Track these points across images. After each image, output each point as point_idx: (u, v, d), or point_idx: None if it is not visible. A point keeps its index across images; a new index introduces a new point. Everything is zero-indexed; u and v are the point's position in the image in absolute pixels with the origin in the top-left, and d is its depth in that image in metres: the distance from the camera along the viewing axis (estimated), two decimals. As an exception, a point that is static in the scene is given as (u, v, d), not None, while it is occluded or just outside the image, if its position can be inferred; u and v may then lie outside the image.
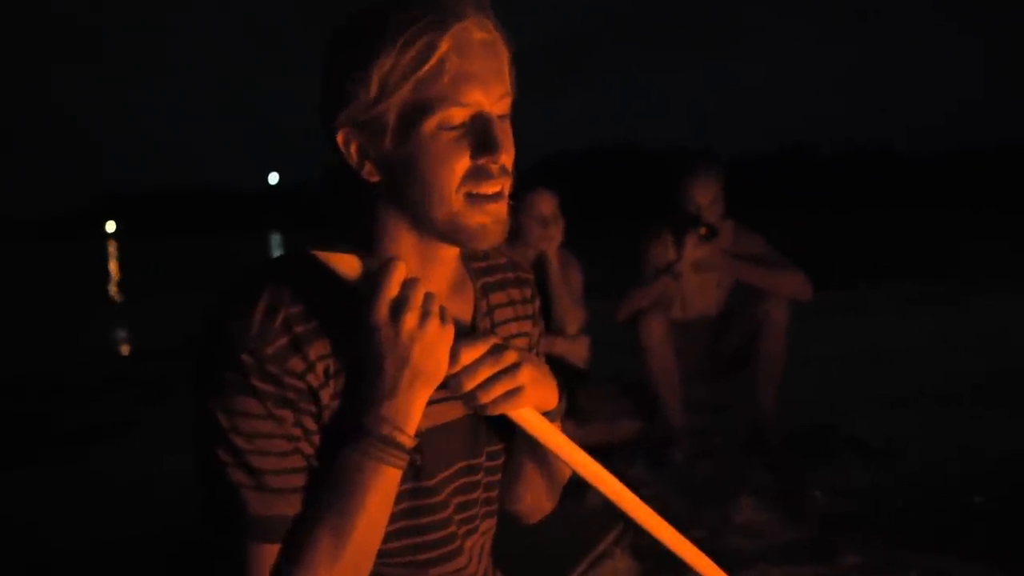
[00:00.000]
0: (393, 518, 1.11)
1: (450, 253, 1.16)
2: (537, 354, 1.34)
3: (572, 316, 3.74)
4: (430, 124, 1.05)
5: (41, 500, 3.99)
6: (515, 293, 1.32)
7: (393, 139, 1.07)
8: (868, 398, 4.82)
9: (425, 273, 1.14)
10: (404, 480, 1.11)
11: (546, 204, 3.71)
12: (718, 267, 3.73)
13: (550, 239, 3.70)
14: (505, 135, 1.09)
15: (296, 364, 1.05)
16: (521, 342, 1.31)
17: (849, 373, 5.63)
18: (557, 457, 1.19)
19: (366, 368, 1.06)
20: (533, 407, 1.15)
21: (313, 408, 1.07)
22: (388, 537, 1.12)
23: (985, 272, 11.49)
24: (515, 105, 1.12)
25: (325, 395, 1.08)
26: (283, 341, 1.05)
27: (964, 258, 13.75)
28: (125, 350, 9.68)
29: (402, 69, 1.03)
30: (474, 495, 1.23)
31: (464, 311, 1.22)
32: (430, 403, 1.10)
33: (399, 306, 1.04)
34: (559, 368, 1.22)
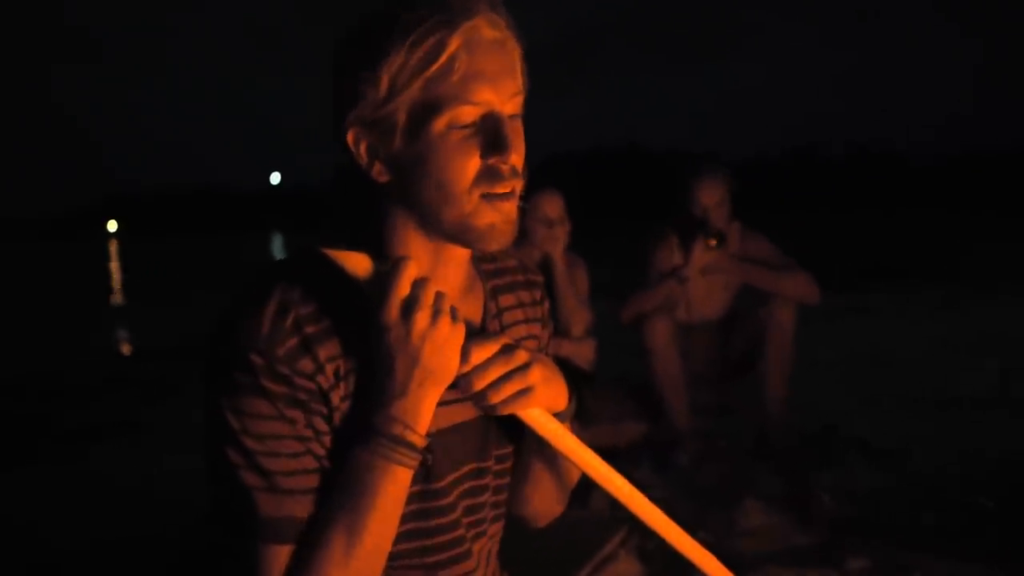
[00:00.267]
0: (403, 519, 1.11)
1: (460, 254, 1.16)
2: (547, 355, 1.33)
3: (578, 318, 3.73)
4: (440, 123, 1.04)
5: (42, 500, 3.99)
6: (525, 295, 1.32)
7: (403, 138, 1.06)
8: (873, 400, 4.82)
9: (435, 274, 1.13)
10: (414, 482, 1.10)
11: (552, 205, 3.70)
12: (725, 270, 3.72)
13: (556, 240, 3.69)
14: (516, 134, 1.08)
15: (306, 365, 1.04)
16: (530, 344, 1.30)
17: (853, 375, 5.63)
18: (566, 459, 1.19)
19: (377, 368, 1.06)
20: (543, 408, 1.14)
21: (324, 409, 1.07)
22: (398, 539, 1.11)
23: (989, 275, 11.50)
24: (525, 102, 1.11)
25: (335, 396, 1.07)
26: (294, 342, 1.04)
27: (967, 261, 13.76)
28: (126, 350, 9.68)
29: (411, 68, 1.03)
30: (482, 498, 1.22)
31: (474, 313, 1.22)
32: (439, 405, 1.09)
33: (410, 305, 1.03)
34: (564, 370, 1.22)
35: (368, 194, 1.11)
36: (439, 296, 1.05)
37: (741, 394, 3.91)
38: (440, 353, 1.04)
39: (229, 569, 1.07)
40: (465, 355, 1.07)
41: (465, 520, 1.19)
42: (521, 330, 1.29)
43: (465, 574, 1.21)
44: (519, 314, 1.29)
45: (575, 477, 1.32)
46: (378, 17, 1.06)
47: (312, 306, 1.06)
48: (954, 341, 6.61)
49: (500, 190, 1.07)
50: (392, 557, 1.11)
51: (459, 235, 1.09)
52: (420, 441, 1.06)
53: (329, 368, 1.06)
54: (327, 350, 1.06)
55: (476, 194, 1.06)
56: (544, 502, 1.34)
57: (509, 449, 1.26)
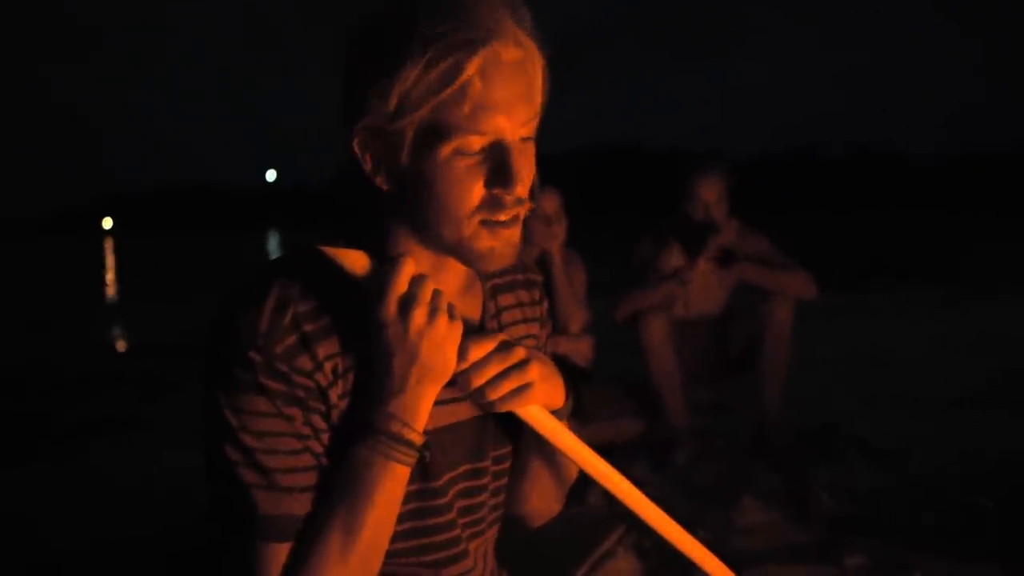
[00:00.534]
0: (401, 518, 1.11)
1: None
2: (545, 355, 1.33)
3: (575, 315, 3.73)
4: (447, 149, 1.02)
5: (41, 498, 3.99)
6: (524, 295, 1.31)
7: (409, 155, 1.04)
8: (872, 399, 4.82)
9: (434, 273, 1.13)
10: (412, 480, 1.10)
11: (549, 203, 3.70)
12: (723, 267, 3.72)
13: (553, 237, 3.69)
14: (524, 162, 1.06)
15: (305, 362, 1.04)
16: (529, 344, 1.29)
17: (853, 374, 5.64)
18: (565, 456, 1.19)
19: (375, 365, 1.05)
20: (541, 405, 1.14)
21: (322, 407, 1.07)
22: (398, 537, 1.12)
23: (989, 274, 11.50)
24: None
25: (333, 394, 1.07)
26: (292, 339, 1.04)
27: (967, 260, 13.76)
28: (125, 347, 9.68)
29: (424, 87, 1.00)
30: (480, 499, 1.22)
31: (472, 312, 1.22)
32: (437, 404, 1.09)
33: (408, 302, 1.03)
34: (562, 367, 1.22)
35: (370, 197, 1.11)
36: (437, 293, 1.05)
37: (738, 392, 3.91)
38: (438, 350, 1.04)
39: (228, 566, 1.07)
40: (463, 352, 1.07)
41: (461, 520, 1.19)
42: (520, 329, 1.29)
43: (463, 573, 1.21)
44: (518, 313, 1.29)
45: (573, 475, 1.32)
46: (395, 23, 1.02)
47: (310, 303, 1.06)
48: (954, 341, 6.61)
49: (502, 218, 1.06)
50: (391, 555, 1.11)
51: (457, 254, 1.09)
52: (418, 438, 1.06)
53: (327, 366, 1.06)
54: (325, 348, 1.06)
55: (476, 220, 1.05)
56: (542, 500, 1.34)
57: (507, 450, 1.26)
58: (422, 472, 1.12)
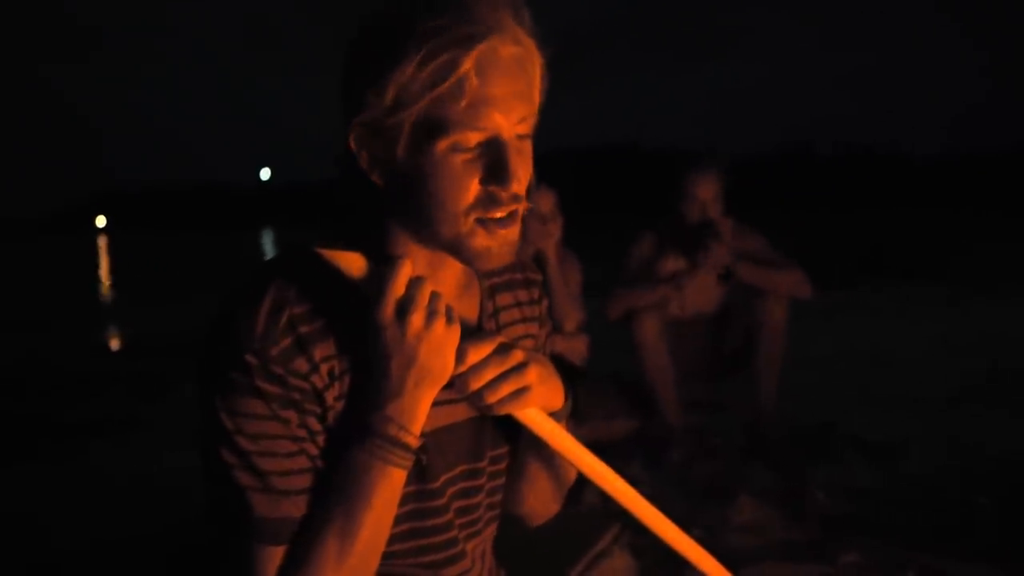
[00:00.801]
0: (399, 520, 1.11)
1: None
2: (544, 355, 1.33)
3: (570, 314, 3.73)
4: (443, 144, 1.02)
5: (40, 498, 3.99)
6: (522, 294, 1.31)
7: (405, 151, 1.05)
8: (869, 398, 4.82)
9: (432, 273, 1.13)
10: (409, 482, 1.10)
11: (545, 202, 3.71)
12: (723, 283, 3.73)
13: (548, 236, 3.69)
14: (520, 159, 1.06)
15: (301, 365, 1.04)
16: (527, 344, 1.29)
17: (850, 373, 5.63)
18: (563, 458, 1.19)
19: (372, 368, 1.05)
20: (539, 407, 1.14)
21: (318, 409, 1.07)
22: (396, 539, 1.12)
23: (986, 274, 11.48)
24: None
25: (330, 396, 1.07)
26: (288, 341, 1.04)
27: (965, 260, 13.74)
28: (122, 346, 9.67)
29: (420, 83, 1.00)
30: (476, 499, 1.22)
31: (470, 312, 1.21)
32: (434, 405, 1.09)
33: (405, 305, 1.03)
34: (559, 367, 1.22)
35: (367, 193, 1.11)
36: (434, 296, 1.05)
37: (734, 390, 3.91)
38: (436, 353, 1.04)
39: (224, 569, 1.07)
40: (461, 355, 1.07)
41: (458, 521, 1.19)
42: (518, 329, 1.29)
43: (461, 573, 1.21)
44: (516, 313, 1.29)
45: (571, 476, 1.32)
46: (393, 20, 1.03)
47: (306, 305, 1.06)
48: (954, 340, 6.60)
49: (498, 215, 1.06)
50: (388, 556, 1.12)
51: (454, 252, 1.09)
52: (415, 442, 1.06)
53: (324, 368, 1.06)
54: (322, 350, 1.06)
55: (472, 217, 1.05)
56: (540, 501, 1.34)
57: (504, 450, 1.26)
58: (419, 474, 1.12)
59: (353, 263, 1.06)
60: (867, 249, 17.46)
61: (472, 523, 1.22)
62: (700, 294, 3.87)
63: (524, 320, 1.30)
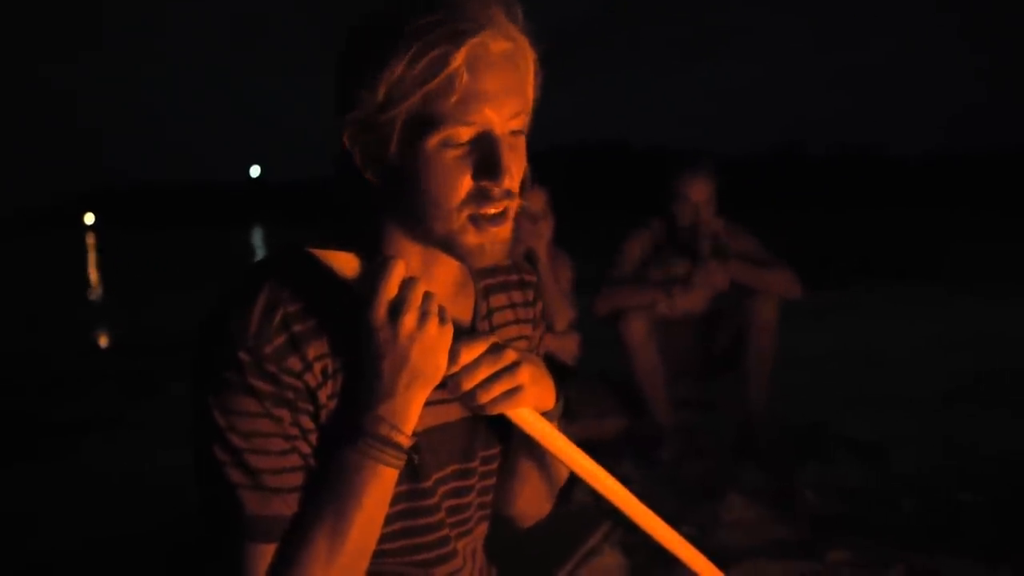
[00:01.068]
0: (391, 519, 1.11)
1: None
2: (538, 356, 1.33)
3: (561, 313, 3.73)
4: (434, 140, 1.02)
5: (32, 497, 3.98)
6: (517, 295, 1.31)
7: (397, 147, 1.05)
8: (860, 397, 4.83)
9: (426, 272, 1.13)
10: (401, 481, 1.10)
11: (535, 200, 3.71)
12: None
13: (539, 235, 3.69)
14: (513, 155, 1.06)
15: (294, 363, 1.05)
16: (521, 345, 1.29)
17: (841, 372, 5.64)
18: (555, 458, 1.19)
19: (364, 368, 1.05)
20: (532, 407, 1.14)
21: (311, 408, 1.07)
22: (387, 537, 1.12)
23: (978, 273, 11.51)
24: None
25: (323, 395, 1.07)
26: (281, 340, 1.04)
27: (957, 259, 13.77)
28: (113, 344, 9.64)
29: (411, 80, 1.00)
30: (468, 499, 1.22)
31: (464, 312, 1.21)
32: (427, 405, 1.09)
33: (398, 306, 1.03)
34: (548, 366, 1.22)
35: (361, 192, 1.11)
36: (427, 297, 1.05)
37: (724, 389, 3.92)
38: (428, 354, 1.04)
39: (214, 566, 1.07)
40: (453, 355, 1.07)
41: (449, 520, 1.19)
42: (512, 331, 1.28)
43: (453, 572, 1.22)
44: (510, 314, 1.29)
45: (563, 476, 1.32)
46: (384, 19, 1.03)
47: (300, 304, 1.06)
48: (946, 340, 6.61)
49: (490, 211, 1.06)
50: (380, 555, 1.12)
51: (447, 249, 1.09)
52: (407, 442, 1.06)
53: (317, 366, 1.06)
54: (315, 348, 1.06)
55: (464, 214, 1.05)
56: (532, 502, 1.34)
57: (496, 450, 1.26)
58: (411, 473, 1.12)
59: (346, 263, 1.06)
60: (860, 249, 17.48)
61: (463, 522, 1.22)
62: (690, 295, 3.87)
63: (518, 321, 1.30)
